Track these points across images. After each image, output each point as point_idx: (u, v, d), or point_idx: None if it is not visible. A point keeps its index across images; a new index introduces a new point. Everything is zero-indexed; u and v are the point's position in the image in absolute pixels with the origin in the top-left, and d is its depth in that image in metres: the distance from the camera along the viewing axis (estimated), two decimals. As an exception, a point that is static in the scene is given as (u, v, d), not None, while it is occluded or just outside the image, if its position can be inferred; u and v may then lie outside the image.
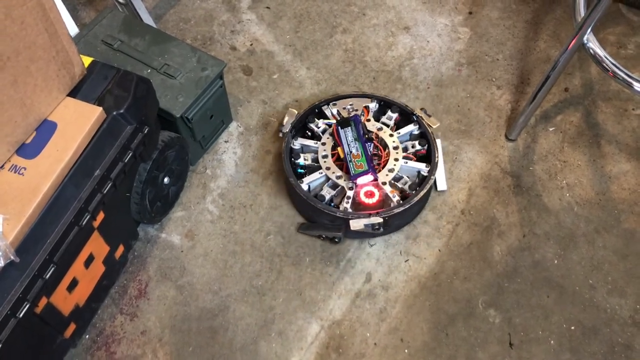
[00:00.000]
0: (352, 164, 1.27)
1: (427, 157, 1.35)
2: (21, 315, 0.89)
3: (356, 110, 1.41)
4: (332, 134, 1.36)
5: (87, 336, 1.19)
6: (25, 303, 0.90)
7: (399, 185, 1.30)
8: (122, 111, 1.04)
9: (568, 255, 1.29)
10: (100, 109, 1.01)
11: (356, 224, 1.22)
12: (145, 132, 1.10)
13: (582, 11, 1.29)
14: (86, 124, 0.99)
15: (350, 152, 1.29)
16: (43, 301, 0.97)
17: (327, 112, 1.42)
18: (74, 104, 1.02)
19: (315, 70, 1.61)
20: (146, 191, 1.20)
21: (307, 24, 1.72)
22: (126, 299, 1.24)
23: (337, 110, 1.41)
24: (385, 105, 1.43)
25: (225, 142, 1.48)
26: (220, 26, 1.71)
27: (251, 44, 1.67)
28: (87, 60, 1.08)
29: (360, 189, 1.27)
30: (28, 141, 0.97)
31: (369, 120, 1.39)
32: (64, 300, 1.05)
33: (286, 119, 1.37)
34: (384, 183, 1.28)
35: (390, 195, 1.26)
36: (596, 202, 1.37)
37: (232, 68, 1.61)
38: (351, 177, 1.26)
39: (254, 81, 1.59)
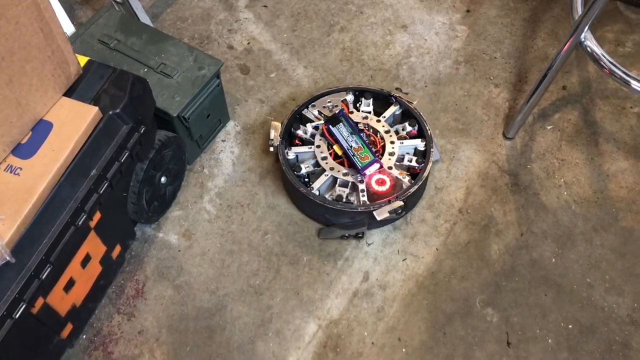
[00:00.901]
0: (357, 158, 1.27)
1: (419, 134, 1.38)
2: (17, 315, 0.89)
3: (336, 106, 1.41)
4: (323, 135, 1.35)
5: (84, 336, 1.19)
6: (22, 303, 0.90)
7: (405, 164, 1.32)
8: (118, 111, 1.03)
9: (566, 253, 1.29)
10: (96, 108, 1.00)
11: (381, 214, 1.22)
12: (142, 131, 1.10)
13: (579, 9, 1.28)
14: (82, 124, 0.99)
15: (351, 146, 1.29)
16: (39, 301, 0.97)
17: (310, 115, 1.40)
18: (69, 103, 1.01)
19: (312, 69, 1.61)
20: (143, 191, 1.20)
21: (305, 23, 1.72)
22: (123, 299, 1.24)
23: (318, 111, 1.41)
24: (360, 94, 1.44)
25: (223, 141, 1.47)
26: (217, 25, 1.71)
27: (248, 43, 1.67)
28: (83, 60, 1.08)
29: (370, 179, 1.27)
30: (24, 141, 0.97)
31: (351, 112, 1.40)
32: (61, 301, 1.04)
33: (272, 133, 1.35)
34: (390, 167, 1.29)
35: (400, 177, 1.28)
36: (594, 200, 1.37)
37: (229, 67, 1.61)
38: (360, 170, 1.27)
39: (251, 80, 1.59)
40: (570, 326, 1.20)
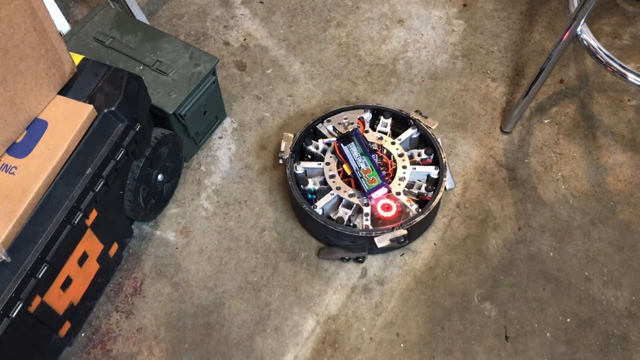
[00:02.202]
0: (364, 180, 1.23)
1: (434, 159, 1.32)
2: (14, 314, 0.89)
3: (352, 123, 1.36)
4: (334, 152, 1.31)
5: (82, 334, 1.19)
6: (18, 302, 0.90)
7: (414, 190, 1.27)
8: (113, 109, 1.03)
9: (564, 247, 1.29)
10: (91, 106, 1.00)
11: (382, 241, 1.18)
12: (137, 129, 1.10)
13: (575, 2, 1.27)
14: (77, 122, 0.99)
15: (359, 167, 1.25)
16: (37, 300, 0.97)
17: (323, 130, 1.36)
18: (64, 102, 1.01)
19: (309, 65, 1.61)
20: (139, 189, 1.20)
21: (301, 18, 1.71)
22: (121, 297, 1.24)
23: (333, 127, 1.36)
24: (379, 113, 1.39)
25: (220, 138, 1.47)
26: (213, 22, 1.70)
27: (245, 39, 1.66)
28: (77, 58, 1.08)
29: (377, 203, 1.23)
30: (18, 140, 0.96)
31: (367, 131, 1.35)
32: (58, 299, 1.04)
33: (283, 144, 1.31)
34: (398, 193, 1.25)
35: (408, 204, 1.23)
36: (592, 194, 1.36)
37: (225, 64, 1.61)
38: (366, 193, 1.22)
39: (248, 76, 1.59)
40: (568, 320, 1.20)
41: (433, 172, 1.29)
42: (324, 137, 1.36)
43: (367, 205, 1.23)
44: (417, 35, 1.68)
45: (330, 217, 1.24)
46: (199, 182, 1.40)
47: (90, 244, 1.09)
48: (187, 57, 1.31)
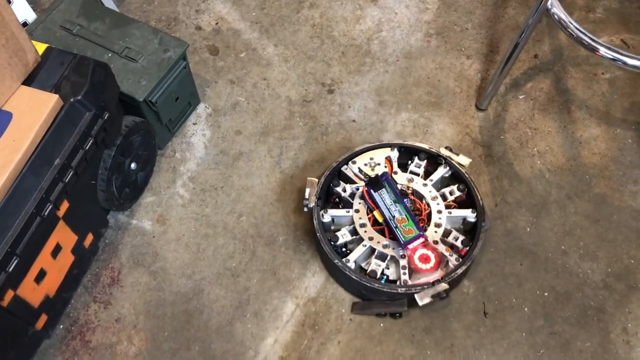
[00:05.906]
0: (400, 230, 1.14)
1: (467, 199, 1.25)
2: (-15, 309, 0.89)
3: (378, 163, 1.27)
4: (362, 198, 1.22)
5: (61, 326, 1.18)
6: (-11, 297, 0.89)
7: (450, 240, 1.18)
8: (79, 97, 1.02)
9: (540, 222, 1.30)
10: (57, 96, 0.99)
11: (423, 298, 1.10)
12: (106, 117, 1.08)
13: (546, -24, 1.27)
14: (43, 113, 0.97)
15: (393, 216, 1.16)
16: (9, 294, 0.96)
17: (349, 173, 1.27)
18: (29, 92, 0.99)
19: (283, 47, 1.59)
20: (112, 178, 1.19)
21: (273, 0, 1.69)
22: (99, 287, 1.23)
23: (359, 168, 1.26)
24: (406, 151, 1.31)
25: (194, 124, 1.45)
26: (184, 6, 1.68)
27: (217, 23, 1.64)
28: (41, 47, 1.06)
29: (414, 254, 1.14)
30: (-17, 133, 0.95)
31: (395, 172, 1.26)
32: (33, 292, 1.03)
33: (307, 190, 1.22)
34: (436, 242, 1.17)
35: (447, 254, 1.16)
36: (567, 168, 1.37)
37: (197, 48, 1.58)
38: (402, 245, 1.13)
39: (221, 61, 1.57)
40: (545, 294, 1.21)
41: (470, 215, 1.21)
42: (349, 179, 1.27)
43: (403, 257, 1.15)
44: (391, 14, 1.66)
45: (362, 268, 1.19)
46: (174, 170, 1.38)
47: (63, 235, 1.08)
48: (156, 42, 1.29)
